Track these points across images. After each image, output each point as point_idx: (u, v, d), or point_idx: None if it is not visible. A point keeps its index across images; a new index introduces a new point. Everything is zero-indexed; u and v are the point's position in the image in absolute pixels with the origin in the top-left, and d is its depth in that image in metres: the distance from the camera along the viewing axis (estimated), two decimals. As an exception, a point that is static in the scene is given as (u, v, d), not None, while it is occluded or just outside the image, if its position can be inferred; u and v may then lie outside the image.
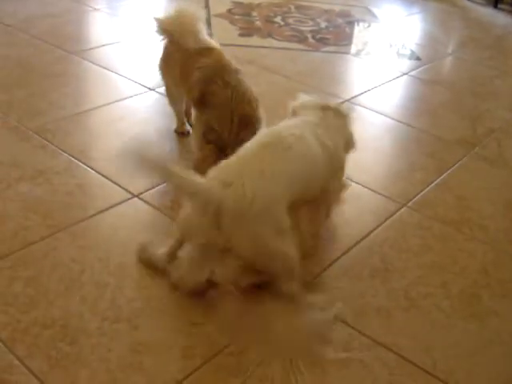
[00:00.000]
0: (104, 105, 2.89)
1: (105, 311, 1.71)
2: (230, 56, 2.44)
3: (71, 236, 1.99)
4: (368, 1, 5.25)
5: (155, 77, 3.12)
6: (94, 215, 2.10)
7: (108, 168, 2.36)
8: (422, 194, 2.43)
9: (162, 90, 3.07)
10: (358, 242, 2.11)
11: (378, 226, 2.20)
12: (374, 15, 4.89)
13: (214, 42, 2.56)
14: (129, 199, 2.20)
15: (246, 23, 4.31)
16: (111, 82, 3.15)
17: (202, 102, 2.31)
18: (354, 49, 4.11)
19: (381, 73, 3.70)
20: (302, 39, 4.11)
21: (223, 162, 1.76)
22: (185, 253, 1.82)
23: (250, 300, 1.73)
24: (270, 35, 4.11)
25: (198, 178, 1.66)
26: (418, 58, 4.00)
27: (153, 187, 2.27)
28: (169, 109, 2.73)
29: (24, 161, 2.36)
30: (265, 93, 3.14)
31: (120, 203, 2.17)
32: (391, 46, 4.24)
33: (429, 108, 3.26)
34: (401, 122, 3.04)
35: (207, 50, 2.45)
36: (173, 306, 1.75)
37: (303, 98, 2.17)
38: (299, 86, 3.30)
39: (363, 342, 1.70)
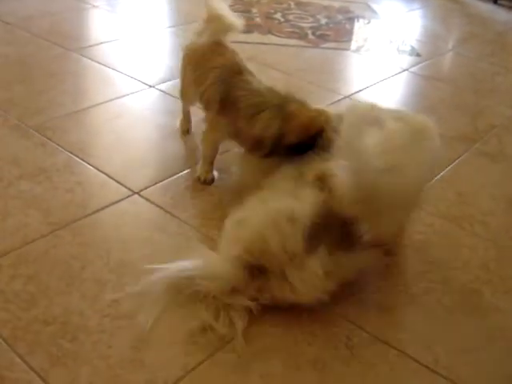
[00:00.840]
0: (103, 102, 2.89)
1: (105, 308, 1.71)
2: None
3: (71, 233, 1.99)
4: (368, -3, 5.24)
5: (155, 74, 3.13)
6: (95, 212, 2.10)
7: (108, 165, 2.36)
8: (423, 190, 2.43)
9: (162, 87, 3.08)
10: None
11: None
12: (373, 11, 4.88)
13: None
14: (129, 196, 2.20)
15: (246, 20, 4.28)
16: (110, 80, 3.15)
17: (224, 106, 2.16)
18: (354, 45, 4.11)
19: (381, 69, 3.69)
20: (302, 36, 4.10)
21: None
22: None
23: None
24: (270, 32, 4.10)
25: None
26: (418, 54, 3.99)
27: (153, 184, 2.27)
28: (170, 106, 2.72)
29: (24, 158, 2.36)
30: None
31: (120, 200, 2.17)
32: (391, 42, 4.23)
33: (429, 104, 3.25)
34: (401, 118, 3.04)
35: (220, 47, 2.30)
36: (173, 303, 1.74)
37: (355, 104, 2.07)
38: (299, 82, 3.29)
39: (364, 337, 1.70)
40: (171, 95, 2.99)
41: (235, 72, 2.19)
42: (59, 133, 2.56)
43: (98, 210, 2.11)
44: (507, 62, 4.06)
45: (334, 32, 4.26)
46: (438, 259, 2.05)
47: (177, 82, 3.13)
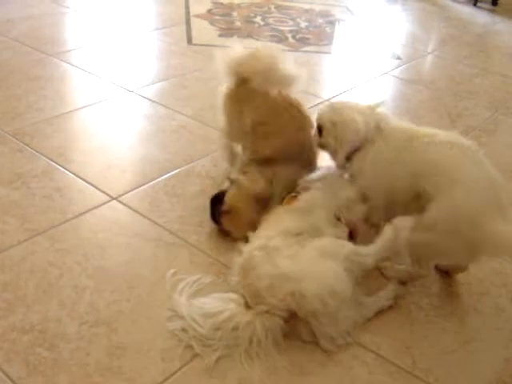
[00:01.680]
0: (83, 107, 2.88)
1: (83, 315, 1.70)
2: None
3: (49, 240, 1.98)
4: (348, 0, 5.26)
5: (135, 78, 3.12)
6: (73, 218, 2.09)
7: (87, 171, 2.35)
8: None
9: (142, 91, 3.07)
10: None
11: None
12: (354, 15, 4.90)
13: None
14: (107, 202, 2.19)
15: (226, 23, 4.30)
16: (90, 84, 3.13)
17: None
18: (334, 48, 4.12)
19: (361, 72, 3.71)
20: (282, 39, 4.11)
21: None
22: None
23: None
24: (250, 35, 4.10)
25: None
26: (398, 58, 4.01)
27: (131, 190, 2.26)
28: (150, 111, 2.70)
29: (1, 164, 2.34)
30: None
31: (98, 206, 2.16)
32: (372, 45, 4.25)
33: (409, 107, 3.27)
34: (381, 121, 3.05)
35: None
36: (152, 309, 1.74)
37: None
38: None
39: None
40: (151, 100, 2.99)
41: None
42: (37, 138, 2.54)
43: (76, 216, 2.10)
44: (486, 63, 4.09)
45: (315, 35, 4.27)
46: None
47: (156, 86, 3.14)
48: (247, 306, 1.69)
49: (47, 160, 2.39)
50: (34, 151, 2.44)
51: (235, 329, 1.63)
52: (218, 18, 4.40)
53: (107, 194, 2.22)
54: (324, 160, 2.18)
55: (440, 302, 1.90)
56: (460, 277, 2.01)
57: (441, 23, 4.99)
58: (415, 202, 1.83)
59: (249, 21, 4.42)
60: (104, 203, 2.18)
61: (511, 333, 1.81)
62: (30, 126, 2.63)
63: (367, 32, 4.55)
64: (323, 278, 1.68)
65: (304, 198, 1.97)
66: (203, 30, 4.09)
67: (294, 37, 4.17)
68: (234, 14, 4.55)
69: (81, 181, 2.29)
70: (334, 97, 3.27)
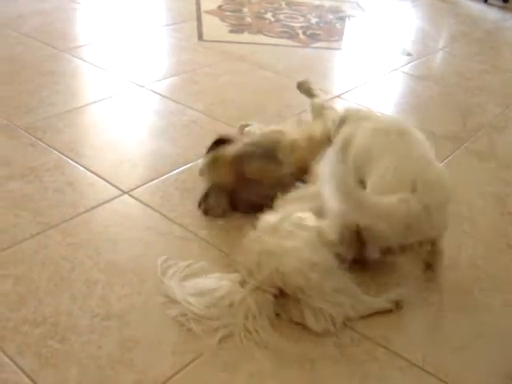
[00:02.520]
0: (94, 102, 2.89)
1: (95, 308, 1.71)
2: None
3: (61, 233, 1.99)
4: (359, -4, 5.25)
5: (146, 73, 3.13)
6: (85, 212, 2.10)
7: (98, 165, 2.36)
8: (412, 188, 2.43)
9: (153, 87, 3.08)
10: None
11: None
12: (364, 11, 4.89)
13: None
14: (118, 196, 2.20)
15: (237, 19, 4.30)
16: (101, 79, 3.15)
17: None
18: (344, 44, 4.12)
19: (371, 68, 3.70)
20: (292, 35, 4.11)
21: None
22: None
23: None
24: (260, 31, 4.10)
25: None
26: (408, 54, 4.00)
27: (142, 184, 2.27)
28: (161, 106, 2.71)
29: (14, 159, 2.35)
30: (255, 89, 3.16)
31: (110, 200, 2.17)
32: (382, 41, 4.24)
33: (419, 103, 3.27)
34: (391, 117, 3.04)
35: None
36: (163, 303, 1.74)
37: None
38: (290, 82, 3.28)
39: (353, 337, 1.70)
40: (161, 95, 3.00)
41: None
42: (49, 133, 2.56)
43: (87, 210, 2.11)
44: (496, 60, 4.08)
45: (325, 31, 4.26)
46: (427, 258, 2.06)
47: (167, 81, 3.15)
48: (243, 284, 1.71)
49: (59, 154, 2.41)
50: (45, 145, 2.46)
51: (231, 305, 1.66)
52: (228, 14, 4.40)
53: (118, 189, 2.23)
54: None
55: (450, 298, 1.89)
56: (470, 272, 2.01)
57: (451, 20, 4.97)
58: None
59: (259, 17, 4.42)
60: (115, 197, 2.19)
61: (522, 329, 1.82)
62: (42, 121, 2.64)
63: (377, 28, 4.54)
64: (300, 251, 1.70)
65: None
66: (214, 26, 4.09)
67: (304, 33, 4.17)
68: (245, 10, 4.55)
69: (92, 175, 2.30)
70: (344, 93, 3.26)
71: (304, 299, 1.67)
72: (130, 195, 2.21)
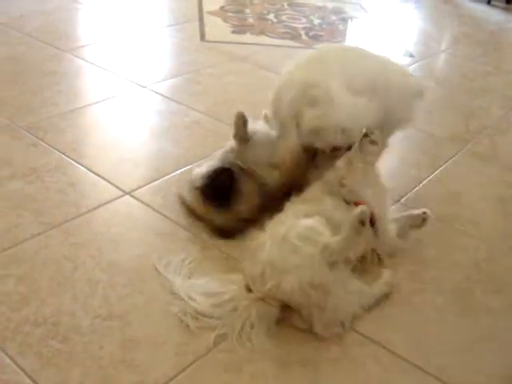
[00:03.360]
0: (96, 102, 2.88)
1: (97, 308, 1.70)
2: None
3: (63, 233, 1.98)
4: (361, -2, 5.25)
5: (148, 74, 3.13)
6: (86, 213, 2.10)
7: (100, 166, 2.36)
8: (415, 190, 2.43)
9: (155, 87, 3.07)
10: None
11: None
12: (367, 12, 4.89)
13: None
14: (120, 197, 2.19)
15: (239, 20, 4.30)
16: (103, 80, 3.14)
17: None
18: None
19: (374, 69, 3.69)
20: (295, 36, 4.10)
21: None
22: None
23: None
24: (263, 32, 4.10)
25: None
26: (411, 55, 4.00)
27: (144, 184, 2.27)
28: (163, 107, 2.71)
29: (16, 159, 2.35)
30: (257, 90, 3.15)
31: (112, 201, 2.17)
32: (384, 42, 4.24)
33: (421, 105, 3.25)
34: (394, 118, 3.04)
35: None
36: (165, 303, 1.74)
37: None
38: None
39: (356, 338, 1.70)
40: (163, 95, 2.99)
41: None
42: (51, 133, 2.55)
43: (89, 211, 2.11)
44: (499, 62, 4.08)
45: (328, 32, 4.26)
46: (430, 259, 2.06)
47: (169, 82, 3.15)
48: (248, 289, 1.71)
49: (61, 155, 2.40)
50: (47, 146, 2.45)
51: (234, 310, 1.66)
52: (230, 14, 4.39)
53: (120, 189, 2.23)
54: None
55: (453, 300, 1.89)
56: (473, 274, 2.00)
57: (454, 21, 4.96)
58: None
59: (262, 18, 4.41)
60: (117, 198, 2.19)
61: (525, 331, 1.81)
62: (44, 121, 2.64)
63: (380, 29, 4.53)
64: (302, 268, 1.66)
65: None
66: (216, 27, 4.09)
67: (307, 34, 4.16)
68: (247, 10, 4.54)
69: (94, 175, 2.30)
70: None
71: (309, 313, 1.66)
72: (132, 196, 2.20)
